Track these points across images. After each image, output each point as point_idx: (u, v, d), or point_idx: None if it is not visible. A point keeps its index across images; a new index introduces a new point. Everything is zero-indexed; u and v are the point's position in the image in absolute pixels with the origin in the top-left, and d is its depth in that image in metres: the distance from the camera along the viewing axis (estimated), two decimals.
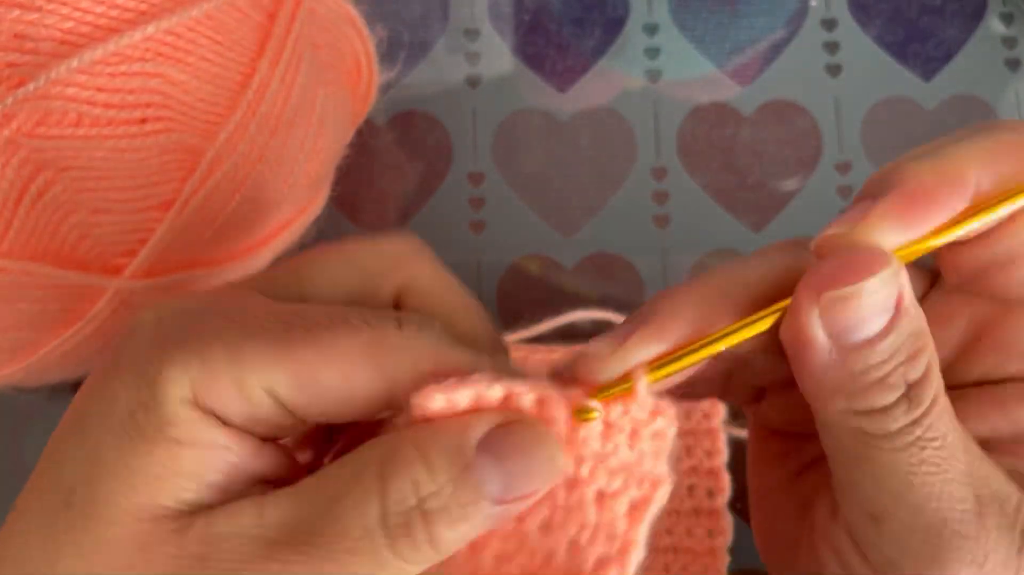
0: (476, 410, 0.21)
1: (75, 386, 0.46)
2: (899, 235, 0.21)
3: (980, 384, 0.23)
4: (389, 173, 0.50)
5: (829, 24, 0.53)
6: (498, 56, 0.52)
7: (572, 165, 0.51)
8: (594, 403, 0.22)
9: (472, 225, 0.50)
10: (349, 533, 0.19)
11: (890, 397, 0.21)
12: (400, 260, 0.24)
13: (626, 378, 0.22)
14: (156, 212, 0.34)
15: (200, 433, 0.20)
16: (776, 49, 0.52)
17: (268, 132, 0.35)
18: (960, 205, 0.21)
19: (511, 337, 0.44)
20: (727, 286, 0.22)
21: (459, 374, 0.21)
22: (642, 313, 0.22)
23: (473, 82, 0.52)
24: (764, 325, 0.22)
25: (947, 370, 0.23)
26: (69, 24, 0.30)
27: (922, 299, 0.24)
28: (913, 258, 0.22)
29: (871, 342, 0.21)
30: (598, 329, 0.44)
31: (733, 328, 0.22)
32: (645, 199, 0.50)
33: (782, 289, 0.22)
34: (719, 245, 0.49)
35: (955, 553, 0.21)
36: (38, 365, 0.37)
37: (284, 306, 0.22)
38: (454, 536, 0.20)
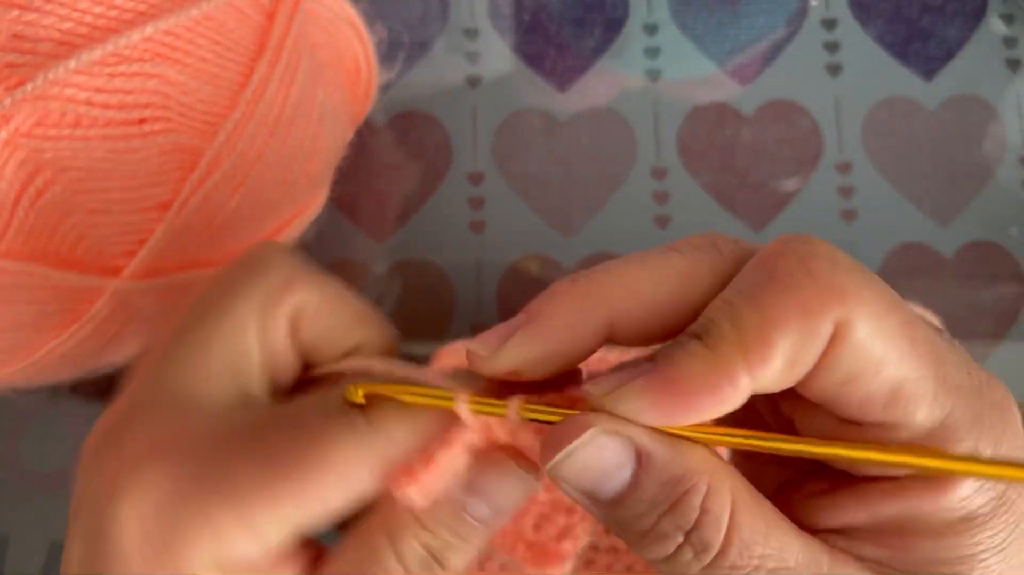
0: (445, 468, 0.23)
1: (74, 387, 0.46)
2: (654, 417, 0.21)
3: (842, 473, 0.23)
4: (389, 173, 0.50)
5: (829, 24, 0.53)
6: (498, 56, 0.52)
7: (572, 165, 0.51)
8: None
9: (472, 225, 0.50)
10: None
11: (669, 546, 0.21)
12: (280, 292, 0.25)
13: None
14: (155, 212, 0.34)
15: None
16: (776, 49, 0.52)
17: (267, 132, 0.35)
18: (729, 405, 0.20)
19: None
20: (613, 294, 0.22)
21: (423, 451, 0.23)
22: (527, 311, 0.23)
23: (473, 82, 0.52)
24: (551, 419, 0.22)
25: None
26: (68, 24, 0.30)
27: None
28: (713, 441, 0.21)
29: (619, 499, 0.21)
30: None
31: (537, 409, 0.22)
32: (645, 199, 0.50)
33: (678, 300, 0.22)
34: None
35: None
36: (36, 366, 0.37)
37: (246, 431, 0.23)
38: (463, 559, 0.24)
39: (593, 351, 0.23)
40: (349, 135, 0.46)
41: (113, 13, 0.30)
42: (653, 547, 0.21)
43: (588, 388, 0.21)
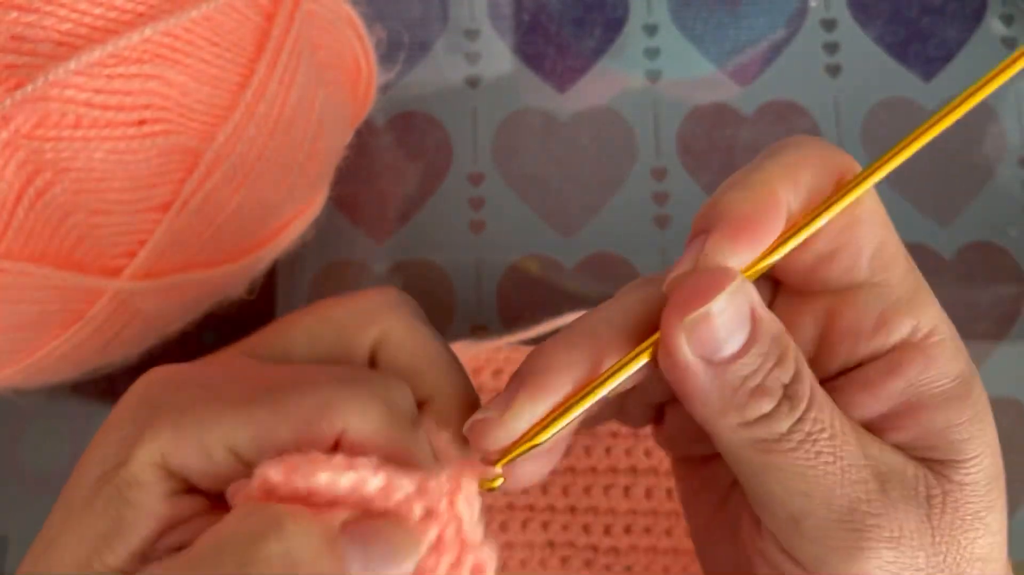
0: (336, 501, 0.21)
1: (74, 387, 0.46)
2: (733, 262, 0.23)
3: (843, 373, 0.25)
4: (389, 173, 0.50)
5: (829, 24, 0.53)
6: (498, 56, 0.52)
7: (572, 165, 0.51)
8: (498, 470, 0.23)
9: (472, 225, 0.50)
10: None
11: (771, 401, 0.22)
12: (375, 314, 0.25)
13: (524, 439, 0.23)
14: (155, 213, 0.34)
15: (148, 496, 0.21)
16: (776, 49, 0.52)
17: (267, 133, 0.35)
18: (778, 224, 0.23)
19: (511, 338, 0.44)
20: (596, 329, 0.24)
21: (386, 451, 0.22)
22: (520, 374, 0.23)
23: (473, 82, 0.52)
24: (640, 361, 0.23)
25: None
26: (67, 26, 0.30)
27: (769, 307, 0.26)
28: (753, 278, 0.23)
29: (738, 354, 0.22)
30: None
31: (612, 370, 0.23)
32: (645, 199, 0.50)
33: (650, 320, 0.23)
34: None
35: (871, 532, 0.22)
36: (37, 366, 0.37)
37: (260, 369, 0.24)
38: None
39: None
40: (349, 135, 0.46)
41: (113, 14, 0.30)
42: (756, 405, 0.22)
43: (676, 271, 0.23)
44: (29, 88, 0.29)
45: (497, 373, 0.44)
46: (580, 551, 0.42)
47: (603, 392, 0.23)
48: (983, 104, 0.51)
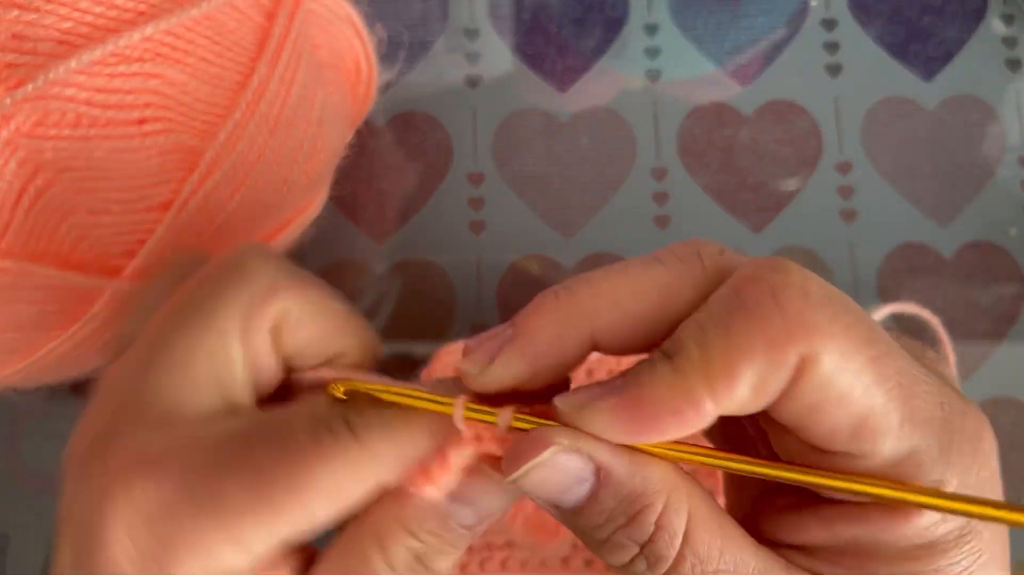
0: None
1: (74, 387, 0.46)
2: (619, 435, 0.22)
3: (799, 496, 0.24)
4: (389, 173, 0.50)
5: (829, 24, 0.53)
6: (498, 56, 0.52)
7: (572, 165, 0.51)
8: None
9: (472, 225, 0.50)
10: None
11: (625, 555, 0.22)
12: (262, 303, 0.25)
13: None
14: (155, 213, 0.34)
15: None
16: (776, 49, 0.52)
17: (267, 132, 0.35)
18: (691, 428, 0.21)
19: None
20: (597, 305, 0.23)
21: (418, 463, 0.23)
22: (513, 325, 0.23)
23: (473, 82, 0.52)
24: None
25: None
26: (68, 24, 0.30)
27: None
28: (682, 460, 0.22)
29: (579, 509, 0.22)
30: None
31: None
32: (645, 199, 0.50)
33: (655, 307, 0.23)
34: None
35: None
36: (36, 366, 0.37)
37: (234, 443, 0.24)
38: (449, 562, 0.25)
39: (579, 363, 0.23)
40: (349, 135, 0.46)
41: (113, 13, 0.30)
42: (609, 555, 0.22)
43: (557, 402, 0.22)
44: (29, 87, 0.29)
45: None
46: (580, 550, 0.42)
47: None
48: (983, 104, 0.51)
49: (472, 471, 0.24)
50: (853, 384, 0.21)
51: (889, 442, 0.21)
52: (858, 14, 0.53)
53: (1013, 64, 0.52)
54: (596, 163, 0.51)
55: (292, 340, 0.26)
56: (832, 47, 0.52)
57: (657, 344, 0.22)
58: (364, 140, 0.49)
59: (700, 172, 0.50)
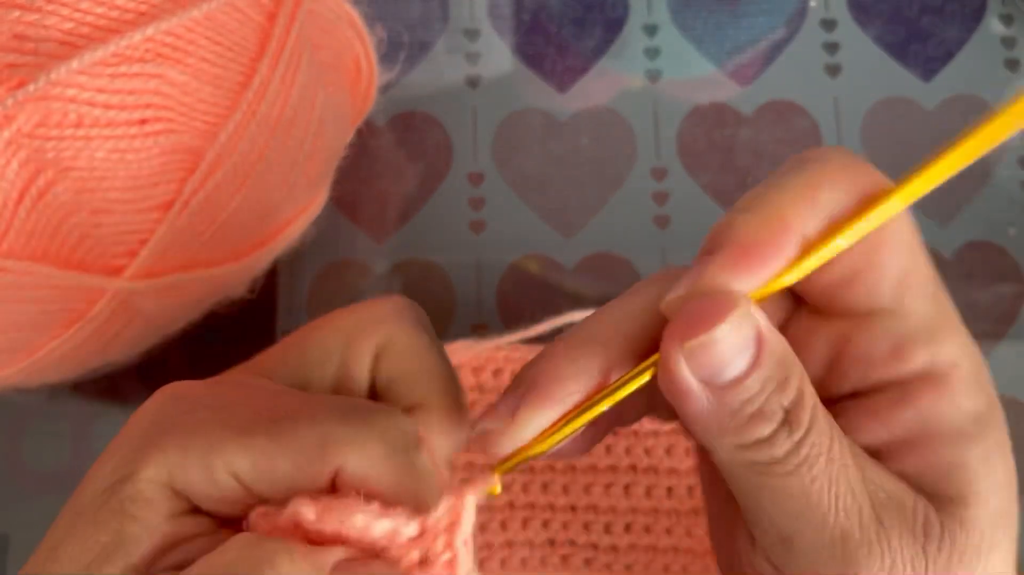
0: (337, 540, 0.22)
1: (74, 387, 0.46)
2: (738, 286, 0.22)
3: (852, 397, 0.24)
4: (389, 173, 0.50)
5: (829, 24, 0.53)
6: (498, 56, 0.52)
7: (572, 165, 0.51)
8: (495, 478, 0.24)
9: (472, 225, 0.50)
10: None
11: (770, 426, 0.22)
12: (379, 322, 0.26)
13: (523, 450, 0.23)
14: (156, 213, 0.34)
15: (152, 512, 0.22)
16: (776, 49, 0.52)
17: (268, 133, 0.35)
18: (787, 251, 0.22)
19: (511, 338, 0.44)
20: (604, 336, 0.23)
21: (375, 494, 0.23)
22: (527, 379, 0.23)
23: (473, 82, 0.52)
24: (645, 377, 0.23)
25: (818, 389, 0.24)
26: (69, 25, 0.30)
27: (786, 323, 0.26)
28: (761, 299, 0.23)
29: (739, 379, 0.22)
30: None
31: (613, 387, 0.23)
32: (645, 199, 0.50)
33: (660, 328, 0.23)
34: None
35: (863, 561, 0.22)
36: (37, 366, 0.37)
37: (269, 394, 0.24)
38: None
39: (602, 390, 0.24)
40: (349, 135, 0.46)
41: (115, 13, 0.30)
42: (754, 428, 0.22)
43: (675, 293, 0.23)
44: (31, 87, 0.29)
45: (497, 373, 0.44)
46: (580, 549, 0.42)
47: (605, 407, 0.23)
48: (983, 104, 0.51)
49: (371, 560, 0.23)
50: (905, 231, 0.23)
51: (924, 298, 0.23)
52: (858, 14, 0.53)
53: (1013, 64, 0.52)
54: (596, 163, 0.51)
55: (388, 370, 0.26)
56: (832, 47, 0.52)
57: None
58: (364, 140, 0.49)
59: (700, 172, 0.51)
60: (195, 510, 0.23)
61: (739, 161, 0.51)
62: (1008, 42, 0.52)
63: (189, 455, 0.22)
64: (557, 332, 0.47)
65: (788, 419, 0.22)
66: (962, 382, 0.23)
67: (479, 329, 0.48)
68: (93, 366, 0.41)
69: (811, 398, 0.23)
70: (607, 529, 0.42)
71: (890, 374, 0.23)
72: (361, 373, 0.26)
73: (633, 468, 0.42)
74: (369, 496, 0.22)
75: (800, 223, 0.22)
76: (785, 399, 0.22)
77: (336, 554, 0.22)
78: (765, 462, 0.22)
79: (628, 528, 0.42)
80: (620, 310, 0.24)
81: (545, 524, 0.42)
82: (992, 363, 0.47)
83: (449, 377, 0.26)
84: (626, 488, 0.42)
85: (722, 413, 0.22)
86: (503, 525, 0.42)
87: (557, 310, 0.44)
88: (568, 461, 0.43)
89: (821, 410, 0.23)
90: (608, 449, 0.43)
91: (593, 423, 0.26)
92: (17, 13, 0.29)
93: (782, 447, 0.22)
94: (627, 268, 0.49)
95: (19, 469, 0.46)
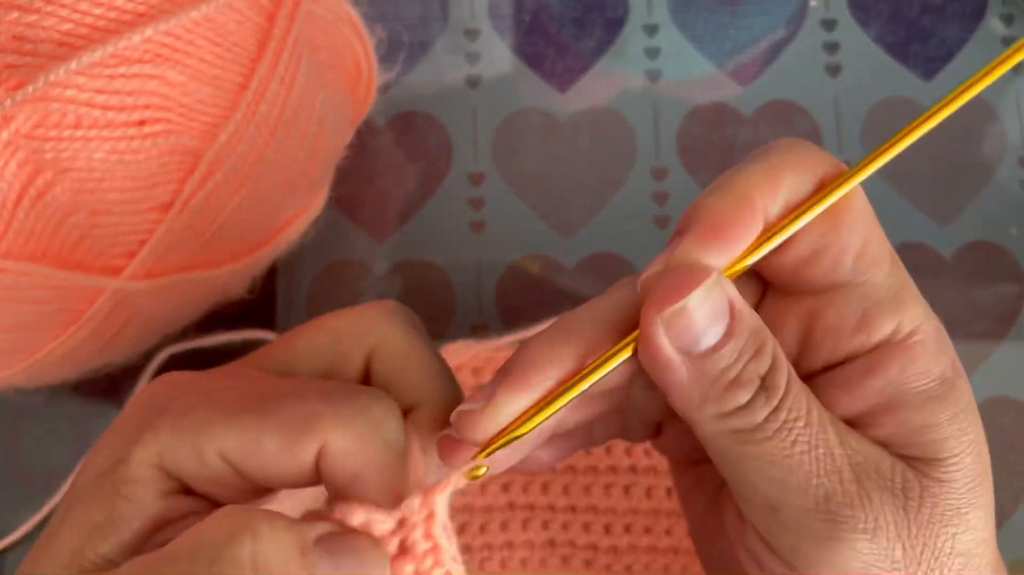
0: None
1: (74, 387, 0.46)
2: (709, 261, 0.23)
3: (825, 371, 0.25)
4: (389, 173, 0.50)
5: (829, 24, 0.53)
6: (498, 56, 0.52)
7: (572, 165, 0.51)
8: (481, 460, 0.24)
9: (472, 225, 0.50)
10: None
11: (747, 393, 0.23)
12: (371, 324, 0.27)
13: (505, 431, 0.24)
14: (155, 213, 0.34)
15: (143, 492, 0.22)
16: (776, 49, 0.52)
17: (267, 133, 0.35)
18: (753, 228, 0.24)
19: (511, 338, 0.44)
20: (579, 325, 0.24)
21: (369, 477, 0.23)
22: (505, 367, 0.24)
23: (473, 82, 0.52)
24: (622, 356, 0.24)
25: (793, 366, 0.24)
26: (68, 26, 0.30)
27: (757, 306, 0.26)
28: (732, 275, 0.24)
29: (716, 347, 0.23)
30: None
31: (594, 365, 0.24)
32: (645, 199, 0.50)
33: (634, 316, 0.24)
34: None
35: (846, 522, 0.23)
36: (37, 366, 0.37)
37: (259, 380, 0.25)
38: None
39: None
40: (349, 135, 0.46)
41: (113, 14, 0.30)
42: (732, 396, 0.23)
43: (650, 270, 0.24)
44: (30, 88, 0.29)
45: None
46: (580, 550, 0.42)
47: (585, 386, 0.23)
48: (983, 104, 0.51)
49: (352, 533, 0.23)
50: (861, 207, 0.24)
51: (884, 269, 0.24)
52: (858, 14, 0.53)
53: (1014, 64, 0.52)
54: (596, 163, 0.51)
55: (382, 369, 0.27)
56: (832, 47, 0.52)
57: None
58: (364, 140, 0.49)
59: (700, 172, 0.51)
60: (189, 491, 0.23)
61: (739, 161, 0.50)
62: (1008, 42, 0.52)
63: (180, 435, 0.22)
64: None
65: (765, 385, 0.23)
66: (926, 346, 0.24)
67: (479, 329, 0.48)
68: (93, 366, 0.41)
69: (785, 366, 0.24)
70: (607, 530, 0.42)
71: (858, 344, 0.24)
72: (351, 375, 0.27)
73: (633, 469, 0.42)
74: (351, 472, 0.23)
75: (764, 204, 0.24)
76: (761, 367, 0.23)
77: (320, 527, 0.22)
78: (746, 429, 0.23)
79: (628, 529, 0.42)
80: (596, 306, 0.25)
81: (545, 525, 0.42)
82: (992, 363, 0.48)
83: (444, 377, 0.27)
84: (626, 489, 0.42)
85: (702, 382, 0.23)
86: (503, 526, 0.42)
87: (557, 310, 0.44)
88: (567, 461, 0.43)
89: (796, 378, 0.24)
90: (608, 450, 0.43)
91: (564, 436, 0.27)
92: (16, 14, 0.29)
93: (761, 412, 0.23)
94: (627, 268, 0.49)
95: (18, 470, 0.46)
